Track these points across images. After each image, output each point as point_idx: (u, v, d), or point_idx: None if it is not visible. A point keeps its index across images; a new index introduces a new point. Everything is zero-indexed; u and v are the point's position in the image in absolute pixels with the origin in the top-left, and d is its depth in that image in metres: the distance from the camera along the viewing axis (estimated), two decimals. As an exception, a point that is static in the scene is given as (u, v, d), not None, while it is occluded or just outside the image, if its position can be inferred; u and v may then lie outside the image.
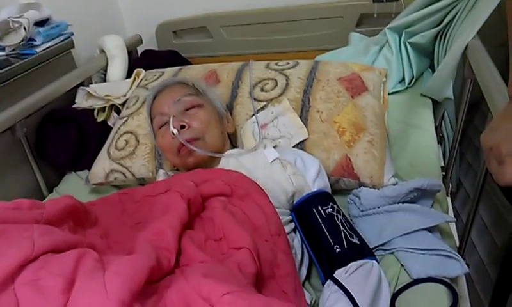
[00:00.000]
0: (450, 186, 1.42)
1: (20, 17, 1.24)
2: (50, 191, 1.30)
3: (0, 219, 0.63)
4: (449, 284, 0.81)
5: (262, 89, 1.18)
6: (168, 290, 0.55)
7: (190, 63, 1.69)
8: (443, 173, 1.31)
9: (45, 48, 1.33)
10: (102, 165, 1.18)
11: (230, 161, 0.99)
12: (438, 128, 1.39)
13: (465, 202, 1.71)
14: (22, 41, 1.26)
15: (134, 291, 0.49)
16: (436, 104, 1.40)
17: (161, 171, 1.10)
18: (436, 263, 0.84)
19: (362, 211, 0.98)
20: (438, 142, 1.27)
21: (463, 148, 1.80)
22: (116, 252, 0.71)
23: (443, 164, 1.36)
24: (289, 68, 1.21)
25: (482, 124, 1.69)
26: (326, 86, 1.13)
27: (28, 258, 0.57)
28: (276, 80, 1.18)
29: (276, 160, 0.96)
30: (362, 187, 1.01)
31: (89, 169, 1.24)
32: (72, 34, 1.44)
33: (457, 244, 1.08)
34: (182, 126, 0.97)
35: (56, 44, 1.38)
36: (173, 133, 0.96)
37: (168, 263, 0.62)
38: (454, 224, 1.11)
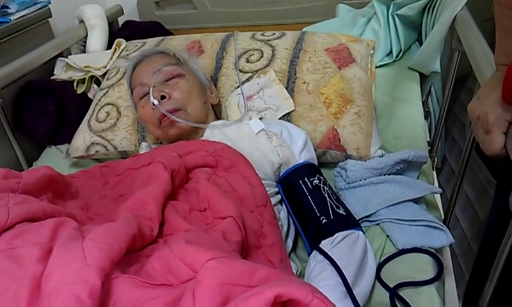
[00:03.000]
0: (436, 161, 1.43)
1: (-8, -18, 1.18)
2: (30, 165, 1.26)
3: (-27, 187, 0.60)
4: (435, 255, 0.81)
5: (248, 60, 1.15)
6: (150, 257, 0.53)
7: (173, 35, 1.64)
8: (429, 148, 1.31)
9: (20, 17, 1.27)
10: (82, 138, 1.15)
11: (214, 132, 0.97)
12: (424, 103, 1.39)
13: (450, 178, 1.72)
14: (-5, 8, 1.20)
15: (114, 259, 0.48)
16: (423, 79, 1.39)
17: (144, 144, 1.07)
18: (422, 234, 0.84)
19: (348, 183, 0.98)
20: (425, 118, 1.27)
21: (449, 124, 1.80)
22: (97, 224, 0.68)
23: (429, 139, 1.36)
24: (275, 39, 1.18)
25: (469, 100, 1.69)
26: (313, 57, 1.11)
27: (2, 227, 0.55)
28: (261, 51, 1.15)
29: (262, 132, 0.94)
30: (349, 160, 1.00)
31: (69, 142, 1.20)
32: (49, 2, 1.38)
33: (442, 217, 1.09)
34: (163, 97, 0.94)
35: (32, 12, 1.32)
36: (154, 104, 0.93)
37: (151, 232, 0.60)
38: (439, 197, 1.12)
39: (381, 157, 0.99)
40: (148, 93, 0.95)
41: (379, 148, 1.01)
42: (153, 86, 0.95)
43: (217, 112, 1.12)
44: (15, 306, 0.46)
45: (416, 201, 0.92)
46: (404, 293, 0.74)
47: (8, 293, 0.47)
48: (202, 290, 0.44)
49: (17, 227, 0.56)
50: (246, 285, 0.45)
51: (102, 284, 0.44)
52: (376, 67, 1.31)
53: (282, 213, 0.88)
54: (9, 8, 1.25)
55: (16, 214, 0.57)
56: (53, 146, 1.30)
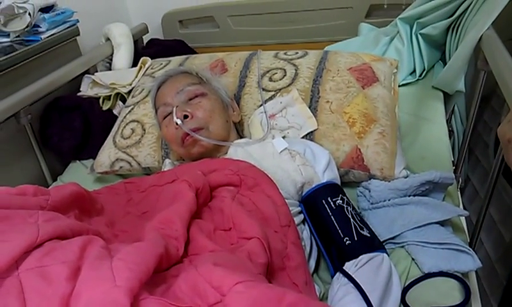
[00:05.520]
0: (460, 181, 1.40)
1: (25, 3, 1.22)
2: (55, 180, 1.28)
3: (4, 204, 0.62)
4: (462, 279, 0.79)
5: (271, 79, 1.16)
6: (177, 278, 0.53)
7: (196, 53, 1.66)
8: (454, 168, 1.29)
9: (50, 35, 1.31)
10: (107, 154, 1.17)
11: (238, 151, 0.97)
12: (447, 123, 1.37)
13: (473, 198, 1.68)
14: (27, 27, 1.24)
15: (143, 279, 0.48)
16: (446, 98, 1.37)
17: (167, 161, 1.08)
18: (448, 258, 0.82)
19: (372, 204, 0.97)
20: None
21: (472, 144, 1.77)
22: (123, 241, 0.69)
23: (452, 159, 1.34)
24: (298, 58, 1.19)
25: (492, 120, 1.66)
26: (336, 76, 1.10)
27: (33, 244, 0.55)
28: (284, 70, 1.16)
29: (285, 151, 0.94)
30: (372, 180, 0.99)
31: (94, 157, 1.22)
32: (78, 21, 1.42)
33: (468, 240, 1.06)
34: (185, 116, 0.96)
35: (61, 31, 1.36)
36: (177, 124, 0.94)
37: (176, 252, 0.60)
38: (464, 219, 1.09)
39: (405, 177, 0.97)
40: (171, 113, 0.97)
41: (403, 169, 0.99)
42: (177, 106, 0.96)
43: (240, 130, 1.13)
44: (44, 325, 0.46)
45: (442, 223, 0.89)
46: (431, 319, 0.72)
47: (38, 311, 0.47)
48: (230, 315, 0.44)
49: (46, 245, 0.57)
50: (274, 310, 0.45)
51: (131, 305, 0.44)
52: (399, 86, 1.30)
53: (305, 233, 0.87)
54: (40, 27, 1.29)
55: (46, 232, 0.58)
56: (78, 161, 1.32)
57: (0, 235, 0.55)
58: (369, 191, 0.97)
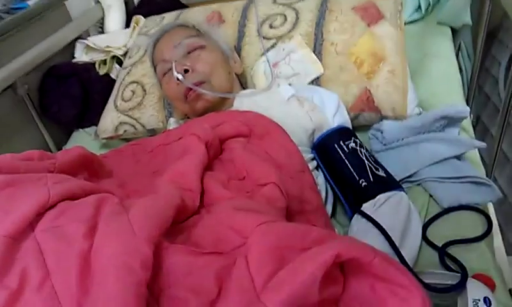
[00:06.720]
0: (472, 117, 1.37)
1: (8, -32, 1.16)
2: (59, 150, 1.26)
3: (11, 169, 0.60)
4: (483, 211, 0.78)
5: (271, 26, 1.11)
6: (196, 228, 0.52)
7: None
8: (464, 104, 1.25)
9: (37, 1, 1.26)
10: (110, 118, 1.14)
11: (243, 102, 0.94)
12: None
13: (484, 136, 1.66)
14: (12, -6, 1.19)
15: (162, 228, 0.46)
16: (452, 35, 1.32)
17: (172, 120, 1.06)
18: (467, 190, 0.81)
19: (385, 145, 0.94)
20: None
21: (480, 81, 1.72)
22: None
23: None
24: (298, 2, 1.13)
25: (500, 53, 1.61)
26: (340, 16, 1.06)
27: (45, 206, 0.53)
28: (285, 15, 1.11)
29: (293, 97, 0.91)
30: (384, 120, 0.96)
31: (96, 124, 1.20)
32: (64, -16, 1.36)
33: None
34: (186, 71, 0.91)
35: (48, -4, 1.30)
36: (178, 79, 0.90)
37: (193, 203, 0.59)
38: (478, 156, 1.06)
39: (418, 115, 0.95)
40: (171, 69, 0.93)
41: (416, 106, 0.96)
42: (175, 61, 0.92)
43: (243, 82, 1.09)
44: (67, 282, 0.45)
45: (458, 158, 0.87)
46: (453, 251, 0.71)
47: (59, 270, 0.46)
48: (255, 255, 0.43)
49: (59, 205, 0.55)
50: (300, 248, 0.43)
51: (153, 253, 0.43)
52: (405, 24, 1.25)
53: (320, 179, 0.85)
54: (26, -7, 1.24)
55: (57, 193, 0.56)
56: (80, 130, 1.30)
57: (10, 199, 0.53)
58: (381, 132, 0.95)
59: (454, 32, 1.32)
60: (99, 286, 0.44)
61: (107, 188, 0.67)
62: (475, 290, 0.61)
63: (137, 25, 1.35)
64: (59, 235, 0.50)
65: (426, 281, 0.63)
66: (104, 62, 1.31)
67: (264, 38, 1.09)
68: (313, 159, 0.88)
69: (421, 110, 0.97)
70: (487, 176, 1.07)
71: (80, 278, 0.45)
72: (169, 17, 1.30)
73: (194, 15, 1.25)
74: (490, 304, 0.59)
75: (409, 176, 0.86)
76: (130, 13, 1.51)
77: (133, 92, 1.14)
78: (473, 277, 0.64)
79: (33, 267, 0.47)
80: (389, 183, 0.79)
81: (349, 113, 0.97)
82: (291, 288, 0.36)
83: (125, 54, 1.30)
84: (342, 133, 0.87)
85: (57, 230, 0.51)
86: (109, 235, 0.46)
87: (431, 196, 0.83)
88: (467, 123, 0.97)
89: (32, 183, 0.58)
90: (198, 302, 0.42)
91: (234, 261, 0.44)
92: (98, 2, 1.47)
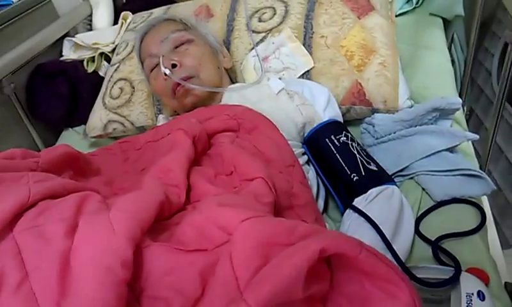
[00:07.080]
0: (465, 110, 1.36)
1: (-9, -36, 1.14)
2: (48, 150, 1.24)
3: (-9, 168, 0.58)
4: (476, 204, 0.77)
5: (260, 20, 1.09)
6: (180, 225, 0.50)
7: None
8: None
9: (22, -2, 1.23)
10: (98, 116, 1.12)
11: (232, 96, 0.93)
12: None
13: (477, 128, 1.65)
14: (-4, -10, 1.17)
15: (144, 227, 0.45)
16: (445, 26, 1.31)
17: (161, 116, 1.04)
18: (460, 184, 0.79)
19: (377, 139, 0.93)
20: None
21: (473, 73, 1.72)
22: (122, 198, 0.66)
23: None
24: (287, -6, 1.12)
25: (493, 46, 1.60)
26: (329, 8, 1.04)
27: (24, 205, 0.52)
28: (274, 8, 1.09)
29: (283, 91, 0.90)
30: (375, 114, 0.95)
31: (85, 123, 1.17)
32: (51, -19, 1.34)
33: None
34: (174, 65, 0.89)
35: (34, -7, 1.28)
36: (165, 74, 0.89)
37: (178, 200, 0.57)
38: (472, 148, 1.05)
39: (410, 107, 0.93)
40: (158, 64, 0.91)
41: (407, 99, 0.95)
42: (163, 55, 0.91)
43: (232, 77, 1.08)
44: (45, 283, 0.44)
45: (451, 150, 0.86)
46: (446, 245, 0.70)
47: (37, 271, 0.45)
48: (239, 252, 0.41)
49: (40, 204, 0.54)
50: (286, 243, 0.42)
51: (133, 253, 0.41)
52: (396, 15, 1.24)
53: (311, 173, 0.84)
54: (11, -10, 1.21)
55: (38, 192, 0.54)
56: (70, 129, 1.28)
57: (-12, 198, 0.52)
58: (373, 126, 0.93)
59: (447, 23, 1.31)
60: (78, 287, 0.42)
61: (92, 186, 0.66)
62: (468, 284, 0.59)
63: (125, 21, 1.33)
64: (38, 234, 0.49)
65: (419, 275, 0.62)
66: (92, 59, 1.29)
67: (253, 31, 1.08)
68: (303, 154, 0.86)
69: (413, 102, 0.95)
70: (481, 169, 1.06)
71: (60, 279, 0.44)
72: (157, 13, 1.28)
73: (183, 9, 1.23)
74: (484, 298, 0.58)
75: (402, 170, 0.85)
76: (118, 10, 1.49)
77: (121, 89, 1.12)
78: (467, 271, 0.63)
79: (11, 267, 0.45)
80: (381, 177, 0.78)
81: (340, 107, 0.96)
82: (273, 284, 0.35)
83: (113, 51, 1.28)
84: (333, 127, 0.86)
85: (36, 230, 0.49)
86: (89, 234, 0.44)
87: (423, 189, 0.82)
88: (460, 116, 0.96)
89: (13, 181, 0.56)
90: (181, 301, 0.41)
91: (218, 259, 0.43)
92: (86, -1, 1.45)
